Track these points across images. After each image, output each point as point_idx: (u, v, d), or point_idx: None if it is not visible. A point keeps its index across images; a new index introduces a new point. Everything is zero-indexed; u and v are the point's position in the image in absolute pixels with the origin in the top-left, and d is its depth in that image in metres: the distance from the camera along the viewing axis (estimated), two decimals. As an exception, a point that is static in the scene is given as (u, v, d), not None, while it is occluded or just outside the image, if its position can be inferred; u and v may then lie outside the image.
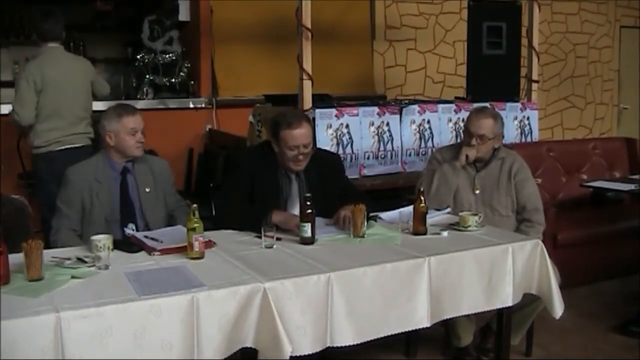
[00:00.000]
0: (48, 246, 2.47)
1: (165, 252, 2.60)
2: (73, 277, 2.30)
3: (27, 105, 4.19)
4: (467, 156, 3.42)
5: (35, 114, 4.23)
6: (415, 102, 4.92)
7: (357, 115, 4.46)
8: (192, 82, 5.96)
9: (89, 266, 2.41)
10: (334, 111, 4.37)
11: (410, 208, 2.97)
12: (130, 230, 2.99)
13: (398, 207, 3.14)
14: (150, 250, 2.62)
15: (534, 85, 5.27)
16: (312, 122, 3.14)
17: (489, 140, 3.42)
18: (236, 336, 2.25)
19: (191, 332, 2.15)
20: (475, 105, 4.06)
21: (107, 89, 4.75)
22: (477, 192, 3.46)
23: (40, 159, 4.32)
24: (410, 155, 4.69)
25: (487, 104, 4.25)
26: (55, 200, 3.07)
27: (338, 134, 4.37)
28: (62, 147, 4.29)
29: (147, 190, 3.10)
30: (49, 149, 4.28)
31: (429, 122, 4.76)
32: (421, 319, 2.58)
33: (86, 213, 3.00)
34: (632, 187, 4.10)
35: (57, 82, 4.26)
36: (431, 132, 4.77)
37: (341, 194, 3.11)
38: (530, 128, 5.19)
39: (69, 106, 4.34)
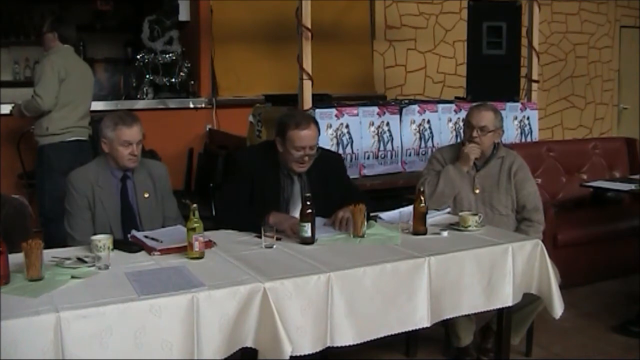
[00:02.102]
0: (48, 246, 2.47)
1: (165, 252, 2.60)
2: (73, 277, 2.30)
3: (50, 90, 4.43)
4: (467, 154, 3.41)
5: (55, 102, 4.46)
6: (415, 102, 4.92)
7: (357, 115, 4.46)
8: (192, 82, 5.97)
9: (89, 266, 2.41)
10: (334, 111, 4.37)
11: (410, 208, 2.97)
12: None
13: (398, 207, 3.14)
14: (150, 250, 2.62)
15: (534, 85, 5.27)
16: (318, 125, 3.12)
17: (490, 132, 3.41)
18: (236, 336, 2.24)
19: (191, 332, 2.15)
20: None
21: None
22: (477, 191, 3.45)
23: (50, 149, 4.49)
24: (410, 155, 4.69)
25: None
26: (59, 193, 3.08)
27: (338, 134, 4.37)
28: (72, 138, 4.54)
29: (146, 195, 3.06)
30: (61, 139, 4.50)
31: (429, 122, 4.76)
32: (421, 319, 2.58)
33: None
34: (632, 187, 4.10)
35: (75, 75, 4.57)
36: (431, 132, 4.77)
37: (343, 194, 3.10)
38: (530, 128, 5.19)
39: (81, 100, 4.64)
